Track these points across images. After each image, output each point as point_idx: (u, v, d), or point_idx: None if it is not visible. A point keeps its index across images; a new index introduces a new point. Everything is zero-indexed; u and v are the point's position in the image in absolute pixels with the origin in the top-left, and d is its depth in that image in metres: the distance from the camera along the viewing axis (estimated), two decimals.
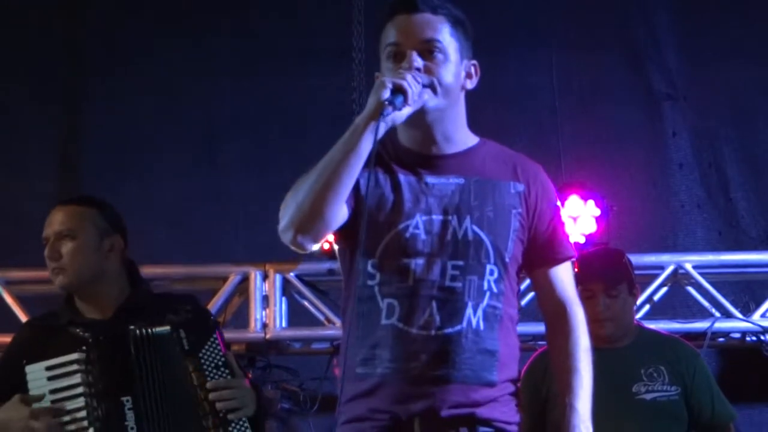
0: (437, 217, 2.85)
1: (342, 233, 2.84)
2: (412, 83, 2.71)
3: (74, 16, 6.33)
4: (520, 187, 2.90)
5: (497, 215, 2.82)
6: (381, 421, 2.80)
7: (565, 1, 6.15)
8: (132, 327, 3.47)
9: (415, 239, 2.83)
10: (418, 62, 2.77)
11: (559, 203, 3.00)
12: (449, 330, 2.78)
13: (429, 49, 2.81)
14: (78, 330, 3.53)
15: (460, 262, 2.82)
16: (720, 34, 6.11)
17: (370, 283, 2.83)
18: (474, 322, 2.82)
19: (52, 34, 6.28)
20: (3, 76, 6.16)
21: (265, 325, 5.41)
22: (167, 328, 3.47)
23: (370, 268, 2.83)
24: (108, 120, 6.19)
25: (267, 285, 5.62)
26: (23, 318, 5.55)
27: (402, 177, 2.88)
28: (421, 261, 2.81)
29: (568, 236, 3.01)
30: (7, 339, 5.33)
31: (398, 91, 2.68)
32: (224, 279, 5.60)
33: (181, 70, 6.15)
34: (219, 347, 3.45)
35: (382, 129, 2.70)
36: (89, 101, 6.28)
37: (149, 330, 3.46)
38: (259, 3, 6.22)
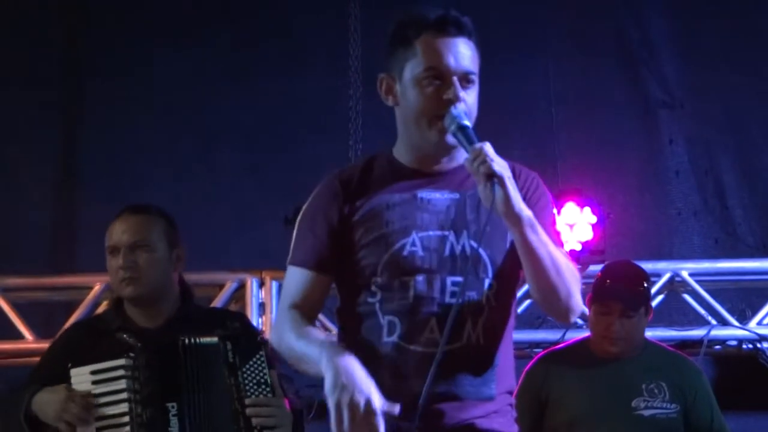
0: (434, 233, 2.86)
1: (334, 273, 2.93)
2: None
3: (73, 22, 6.33)
4: None
5: (494, 228, 2.81)
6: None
7: (562, 10, 6.16)
8: (182, 336, 3.53)
9: (413, 256, 2.85)
10: (462, 94, 2.79)
11: (555, 211, 2.99)
12: (449, 347, 2.78)
13: (467, 80, 2.83)
14: (126, 336, 3.58)
15: (459, 278, 2.83)
16: (717, 42, 6.12)
17: (371, 300, 2.86)
18: (474, 337, 2.83)
19: (51, 40, 6.27)
20: (0, 82, 6.17)
21: (261, 332, 5.38)
22: (215, 339, 3.51)
23: (372, 287, 2.85)
24: (105, 126, 6.20)
25: (263, 292, 5.63)
26: (19, 325, 5.60)
27: (397, 195, 2.90)
28: (421, 278, 2.83)
29: (557, 233, 2.97)
30: (6, 346, 5.64)
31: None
32: (221, 286, 5.63)
33: (179, 76, 6.14)
34: (264, 365, 3.48)
35: None
36: (87, 107, 6.29)
37: (198, 339, 3.51)
38: (256, 9, 6.20)
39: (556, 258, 2.77)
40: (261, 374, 3.49)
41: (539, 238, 2.74)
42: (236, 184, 6.07)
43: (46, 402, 3.52)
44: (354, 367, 2.67)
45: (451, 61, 2.82)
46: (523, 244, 2.74)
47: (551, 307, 2.84)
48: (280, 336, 2.88)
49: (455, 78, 2.82)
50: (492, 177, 2.68)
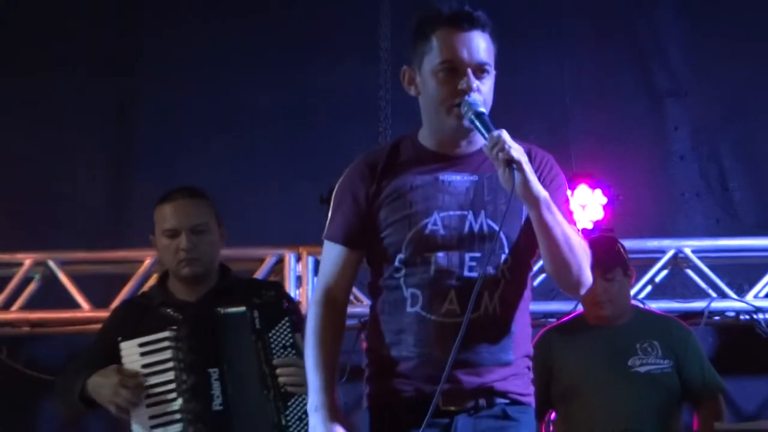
0: (454, 213, 2.92)
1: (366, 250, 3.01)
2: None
3: (126, 14, 6.41)
4: None
5: (510, 209, 2.85)
6: (406, 392, 2.91)
7: (576, 6, 6.22)
8: (217, 307, 3.66)
9: (434, 235, 2.91)
10: (476, 84, 2.86)
11: (569, 193, 3.06)
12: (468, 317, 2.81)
13: (481, 70, 2.89)
14: (169, 310, 3.72)
15: (477, 254, 2.89)
16: (720, 35, 6.17)
17: (396, 275, 2.93)
18: (491, 308, 2.89)
19: (105, 25, 6.33)
20: (58, 66, 6.22)
21: (298, 303, 5.22)
22: (243, 309, 3.64)
23: (396, 263, 2.93)
24: (156, 114, 6.30)
25: (300, 266, 5.75)
26: (77, 295, 5.77)
27: (419, 178, 2.95)
28: (441, 254, 2.89)
29: (570, 211, 2.99)
30: (64, 315, 5.85)
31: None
32: (261, 260, 5.74)
33: (227, 65, 6.24)
34: (288, 330, 3.60)
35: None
36: (140, 95, 6.37)
37: (228, 310, 3.64)
38: (296, 3, 6.30)
39: (569, 236, 2.82)
40: (286, 338, 3.61)
41: (554, 218, 2.79)
42: (277, 167, 6.17)
43: (100, 385, 3.61)
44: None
45: (464, 53, 2.87)
46: (540, 223, 2.79)
47: (564, 280, 2.89)
48: (307, 326, 2.99)
49: (469, 69, 2.87)
50: (511, 163, 2.72)
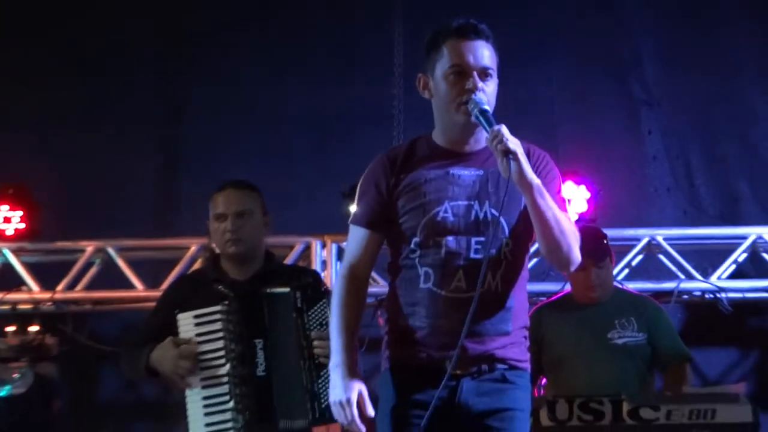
0: (462, 203, 3.11)
1: (386, 233, 3.22)
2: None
3: (170, 31, 6.67)
4: None
5: (510, 199, 3.03)
6: (419, 360, 3.11)
7: (564, 25, 6.51)
8: (264, 287, 3.90)
9: (445, 221, 3.10)
10: (481, 84, 3.08)
11: (562, 186, 3.22)
12: (474, 293, 2.99)
13: (485, 73, 3.11)
14: (220, 287, 3.94)
15: (482, 238, 3.09)
16: (687, 54, 6.53)
17: (412, 256, 3.14)
18: (493, 285, 3.08)
19: (156, 44, 6.64)
20: (117, 75, 6.51)
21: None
22: (287, 289, 3.85)
23: (412, 245, 3.13)
24: (201, 115, 6.64)
25: (325, 252, 6.10)
26: (132, 277, 6.18)
27: (433, 172, 3.14)
28: (451, 238, 3.09)
29: (562, 200, 3.14)
30: (121, 294, 6.27)
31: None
32: (291, 247, 6.12)
33: (263, 77, 6.53)
34: (326, 309, 3.76)
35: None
36: (186, 102, 6.70)
37: (274, 289, 3.87)
38: (328, 29, 6.66)
39: (559, 219, 2.99)
40: (323, 316, 3.80)
41: (546, 203, 2.96)
42: (305, 166, 6.51)
43: (162, 358, 3.84)
44: (350, 388, 3.03)
45: (470, 58, 3.07)
46: (534, 206, 2.97)
47: (556, 259, 3.05)
48: (333, 296, 3.18)
49: (475, 72, 3.07)
50: (508, 153, 2.90)
